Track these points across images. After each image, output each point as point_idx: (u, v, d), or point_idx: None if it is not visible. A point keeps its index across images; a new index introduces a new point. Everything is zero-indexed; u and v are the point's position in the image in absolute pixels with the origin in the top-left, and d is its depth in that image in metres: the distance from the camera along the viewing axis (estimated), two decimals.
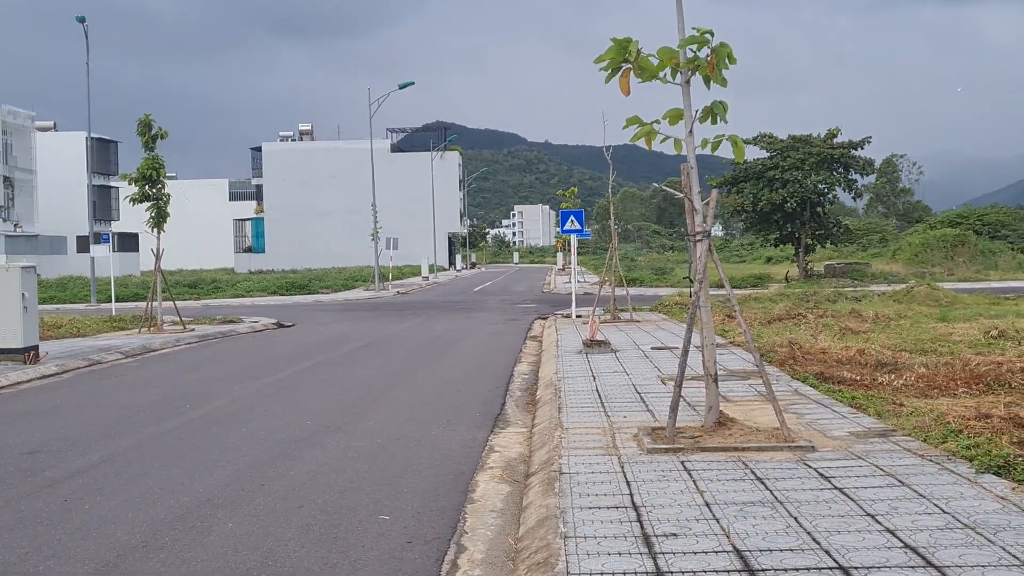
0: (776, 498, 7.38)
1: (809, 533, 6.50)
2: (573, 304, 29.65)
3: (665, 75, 9.74)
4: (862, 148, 52.33)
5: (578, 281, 35.54)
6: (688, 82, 9.68)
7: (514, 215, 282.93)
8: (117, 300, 39.22)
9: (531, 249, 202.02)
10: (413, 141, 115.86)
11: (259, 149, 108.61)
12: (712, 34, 9.36)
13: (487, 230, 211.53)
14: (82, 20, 46.70)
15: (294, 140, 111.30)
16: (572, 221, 28.48)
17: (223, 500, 8.60)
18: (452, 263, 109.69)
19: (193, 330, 27.70)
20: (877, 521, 6.71)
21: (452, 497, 8.62)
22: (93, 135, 52.95)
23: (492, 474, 9.49)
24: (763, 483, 7.84)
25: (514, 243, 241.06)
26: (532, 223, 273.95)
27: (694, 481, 7.98)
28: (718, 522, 6.82)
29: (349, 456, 10.39)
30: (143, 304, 31.89)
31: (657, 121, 9.84)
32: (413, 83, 59.75)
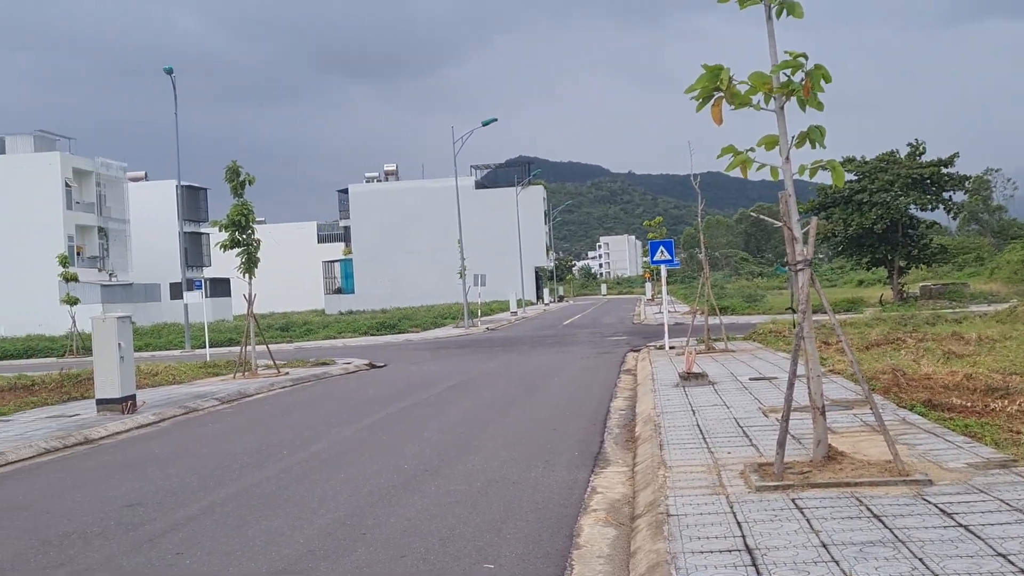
0: (897, 537, 7.05)
1: None
2: (666, 335, 29.29)
3: (758, 101, 9.50)
4: (951, 165, 51.32)
5: (668, 311, 35.14)
6: (783, 108, 9.43)
7: (600, 246, 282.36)
8: (211, 345, 39.69)
9: (618, 280, 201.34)
10: (497, 177, 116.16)
11: (346, 191, 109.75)
12: (806, 57, 9.11)
13: (573, 263, 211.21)
14: (170, 72, 47.63)
15: (380, 181, 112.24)
16: (662, 251, 28.22)
17: (324, 551, 8.47)
18: (540, 297, 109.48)
19: (287, 374, 27.83)
20: (1011, 562, 6.34)
21: (557, 542, 8.40)
22: (183, 183, 53.80)
23: (596, 517, 9.25)
24: (881, 521, 7.50)
25: (601, 274, 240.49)
26: (618, 254, 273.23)
27: (808, 520, 7.66)
28: (838, 565, 6.51)
29: (448, 501, 10.22)
30: (236, 349, 32.20)
31: (752, 149, 9.60)
32: (496, 119, 59.94)
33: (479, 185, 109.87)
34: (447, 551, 8.27)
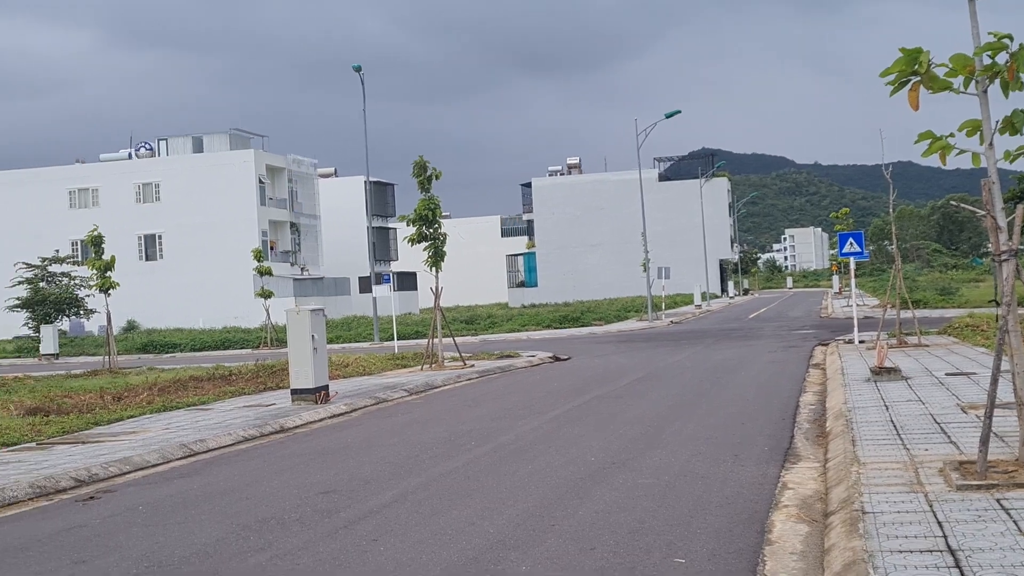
0: None
1: None
2: (855, 329, 28.54)
3: (957, 85, 9.14)
4: None
5: (857, 304, 34.24)
6: (985, 91, 9.06)
7: (785, 239, 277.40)
8: (398, 338, 40.41)
9: (804, 273, 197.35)
10: (680, 169, 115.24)
11: (529, 185, 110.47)
12: (1011, 38, 8.72)
13: (758, 255, 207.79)
14: (358, 70, 48.71)
15: (562, 174, 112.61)
16: (851, 243, 27.54)
17: (515, 541, 8.53)
18: (724, 290, 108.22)
19: (473, 366, 28.18)
20: None
21: (748, 538, 8.26)
22: (371, 179, 54.93)
23: (788, 513, 9.07)
24: None
25: (786, 267, 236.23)
26: (804, 246, 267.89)
27: (1015, 522, 7.34)
28: None
29: (636, 494, 10.17)
30: (423, 341, 32.75)
31: (951, 134, 9.26)
32: (680, 111, 59.25)
33: (662, 177, 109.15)
34: (637, 544, 8.22)
